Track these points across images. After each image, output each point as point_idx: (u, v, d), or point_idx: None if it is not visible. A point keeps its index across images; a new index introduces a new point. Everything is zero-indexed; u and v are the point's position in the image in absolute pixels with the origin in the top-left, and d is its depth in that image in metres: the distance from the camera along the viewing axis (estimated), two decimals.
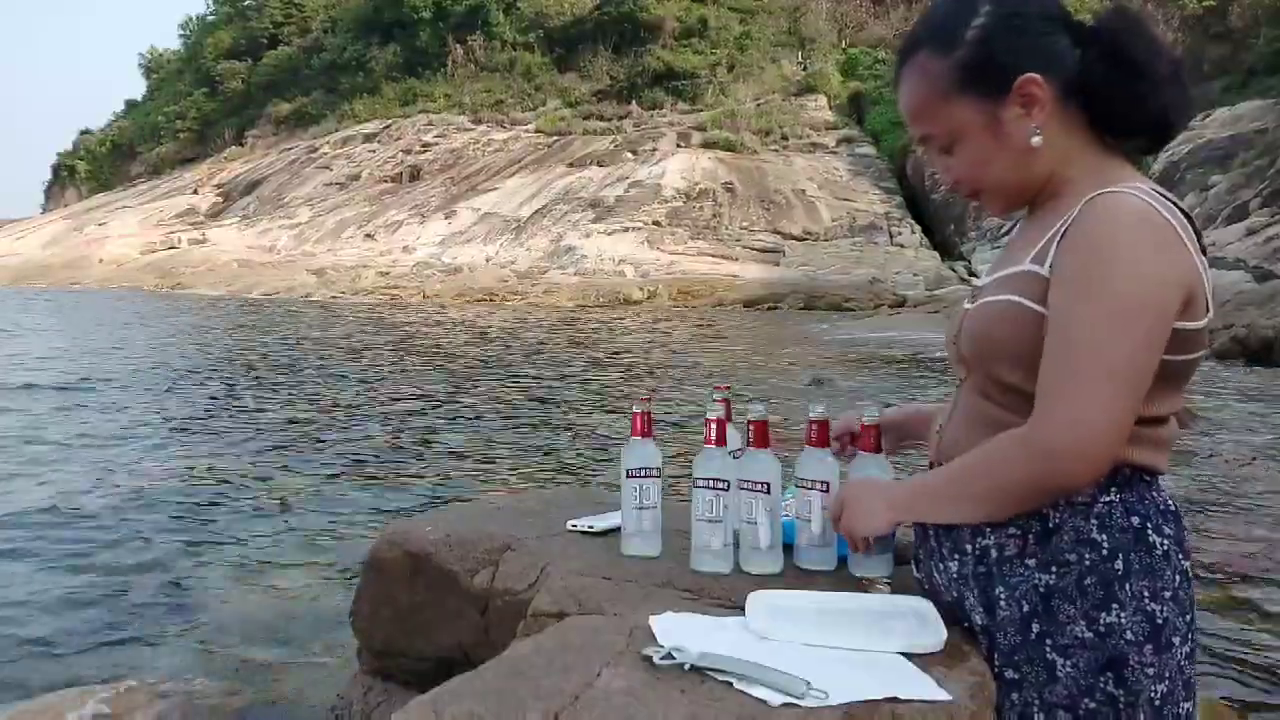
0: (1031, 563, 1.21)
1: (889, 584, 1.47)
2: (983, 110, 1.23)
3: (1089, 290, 1.13)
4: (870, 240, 25.87)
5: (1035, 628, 1.20)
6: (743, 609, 1.31)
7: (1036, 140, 1.22)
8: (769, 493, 1.49)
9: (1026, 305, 1.20)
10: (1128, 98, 1.21)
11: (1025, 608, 1.20)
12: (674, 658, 1.11)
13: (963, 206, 25.18)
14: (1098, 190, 1.18)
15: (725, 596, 1.42)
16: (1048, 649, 1.18)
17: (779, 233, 26.75)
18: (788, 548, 1.57)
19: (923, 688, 1.10)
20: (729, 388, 1.68)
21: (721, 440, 1.51)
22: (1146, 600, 1.17)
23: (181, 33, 57.38)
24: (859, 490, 1.40)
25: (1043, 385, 1.16)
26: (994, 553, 1.24)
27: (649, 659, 1.11)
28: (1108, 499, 1.20)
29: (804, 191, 28.27)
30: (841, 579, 1.51)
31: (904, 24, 37.23)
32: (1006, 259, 1.31)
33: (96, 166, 51.88)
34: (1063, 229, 1.18)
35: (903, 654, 1.18)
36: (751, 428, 1.52)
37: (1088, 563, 1.18)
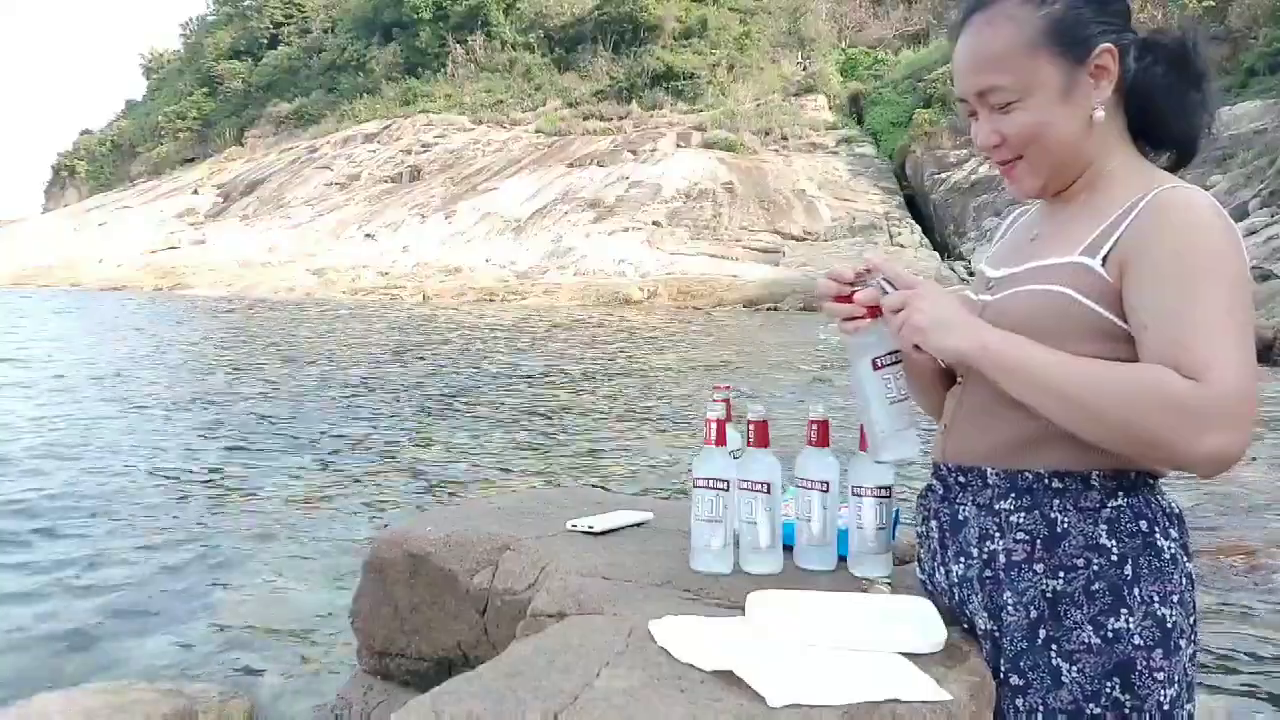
0: (1039, 568, 1.20)
1: (889, 584, 1.47)
2: (1061, 71, 1.19)
3: (1210, 274, 1.09)
4: (870, 240, 25.84)
5: (1042, 633, 1.19)
6: (743, 609, 1.31)
7: (1099, 115, 1.20)
8: (769, 493, 1.49)
9: (1077, 299, 1.17)
10: (1181, 108, 1.24)
11: (1033, 614, 1.20)
12: None
13: (962, 206, 25.21)
14: (1152, 185, 1.17)
15: (725, 596, 1.42)
16: (1053, 654, 1.18)
17: (779, 233, 26.75)
18: (788, 548, 1.57)
19: (923, 688, 1.10)
20: (729, 387, 1.68)
21: (721, 440, 1.51)
22: (1156, 604, 1.16)
23: (181, 33, 57.45)
24: (936, 293, 1.22)
25: (1178, 348, 1.06)
26: (1002, 558, 1.23)
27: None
28: (1116, 503, 1.19)
29: (804, 191, 28.27)
30: (841, 579, 1.51)
31: (904, 24, 37.32)
32: (1034, 250, 1.27)
33: (96, 166, 51.84)
34: (1124, 222, 1.16)
35: (903, 654, 1.18)
36: (751, 428, 1.52)
37: (1096, 568, 1.18)
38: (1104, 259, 1.16)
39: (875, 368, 1.28)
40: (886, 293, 1.23)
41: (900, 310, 1.20)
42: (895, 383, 1.29)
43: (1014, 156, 1.24)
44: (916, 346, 1.22)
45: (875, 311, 1.25)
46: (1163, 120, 1.25)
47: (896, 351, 1.28)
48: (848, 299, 1.26)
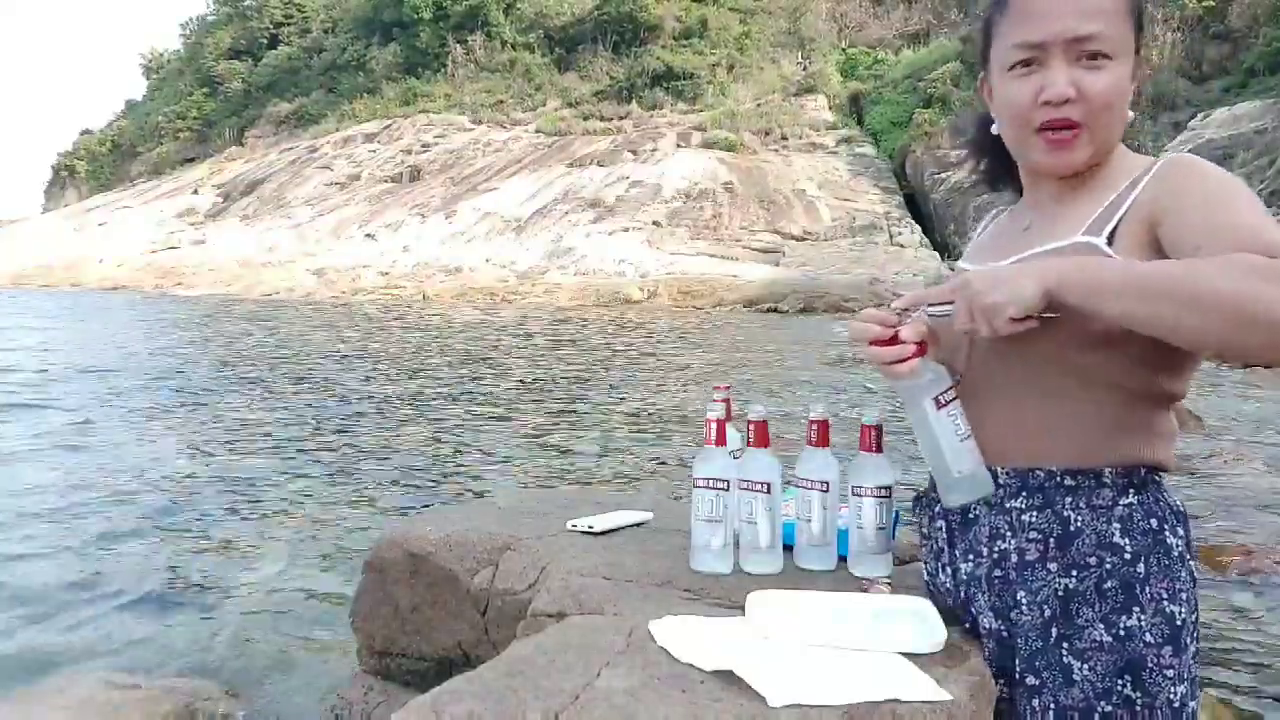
0: (1053, 566, 1.20)
1: (889, 584, 1.47)
2: (1134, 49, 1.21)
3: (1245, 197, 1.09)
4: (870, 240, 25.87)
5: (1054, 632, 1.19)
6: (743, 609, 1.31)
7: (1130, 115, 1.23)
8: (769, 493, 1.49)
9: None
10: None
11: (1046, 612, 1.20)
12: None
13: (962, 206, 25.19)
14: (1152, 162, 1.19)
15: (725, 596, 1.42)
16: (1064, 653, 1.18)
17: (779, 233, 26.76)
18: (788, 548, 1.57)
19: (923, 688, 1.10)
20: (729, 387, 1.68)
21: (721, 440, 1.51)
22: (1165, 602, 1.17)
23: (181, 33, 57.57)
24: (973, 272, 1.12)
25: (1239, 247, 1.00)
26: (1014, 557, 1.23)
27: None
28: (1128, 501, 1.20)
29: (804, 191, 28.28)
30: (841, 579, 1.51)
31: (904, 24, 37.32)
32: (1028, 240, 1.26)
33: (96, 166, 51.87)
34: (1132, 194, 1.17)
35: (903, 654, 1.18)
36: (751, 428, 1.52)
37: (1109, 566, 1.18)
38: (1111, 235, 1.16)
39: (939, 406, 1.21)
40: (940, 315, 1.14)
41: (964, 316, 1.11)
42: (961, 419, 1.22)
43: (1079, 119, 1.19)
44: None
45: (922, 349, 1.19)
46: None
47: (952, 387, 1.22)
48: (889, 341, 1.19)
